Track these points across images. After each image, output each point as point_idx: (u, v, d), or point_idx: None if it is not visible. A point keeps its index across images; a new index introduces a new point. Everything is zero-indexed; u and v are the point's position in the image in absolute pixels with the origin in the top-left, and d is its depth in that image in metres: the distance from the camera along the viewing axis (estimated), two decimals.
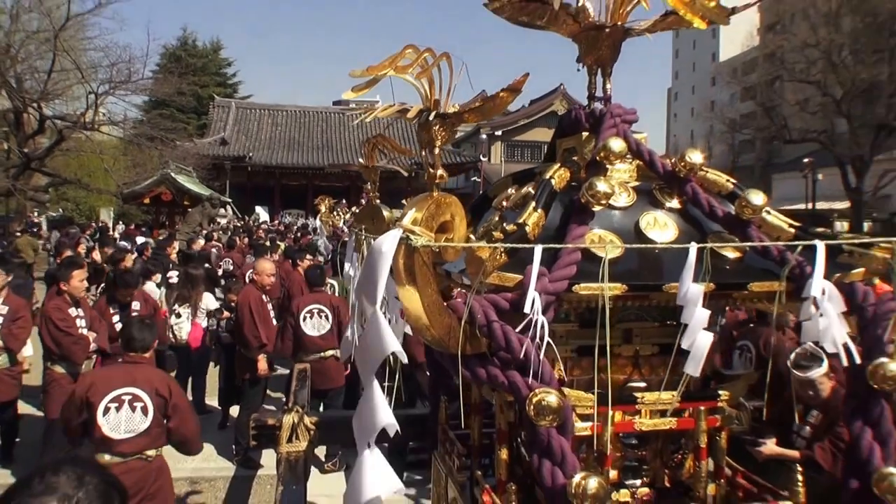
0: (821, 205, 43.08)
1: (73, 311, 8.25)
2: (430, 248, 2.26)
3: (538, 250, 2.40)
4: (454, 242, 2.36)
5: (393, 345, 2.17)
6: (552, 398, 2.24)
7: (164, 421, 5.71)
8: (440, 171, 2.30)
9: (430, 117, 2.23)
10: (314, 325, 9.40)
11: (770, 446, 5.29)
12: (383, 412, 2.24)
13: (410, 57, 2.19)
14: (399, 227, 2.20)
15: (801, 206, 41.87)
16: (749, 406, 3.37)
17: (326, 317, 9.42)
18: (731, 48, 69.91)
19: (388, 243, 2.13)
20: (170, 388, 5.82)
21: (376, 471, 2.30)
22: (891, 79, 36.98)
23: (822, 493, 3.34)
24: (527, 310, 2.33)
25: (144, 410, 5.56)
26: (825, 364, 4.98)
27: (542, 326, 2.32)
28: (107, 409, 5.45)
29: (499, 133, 56.63)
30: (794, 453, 5.16)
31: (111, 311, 9.08)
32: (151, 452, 5.65)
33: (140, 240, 21.84)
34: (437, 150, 2.28)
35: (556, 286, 2.47)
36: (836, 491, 3.24)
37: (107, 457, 5.43)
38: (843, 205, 41.12)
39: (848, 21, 39.03)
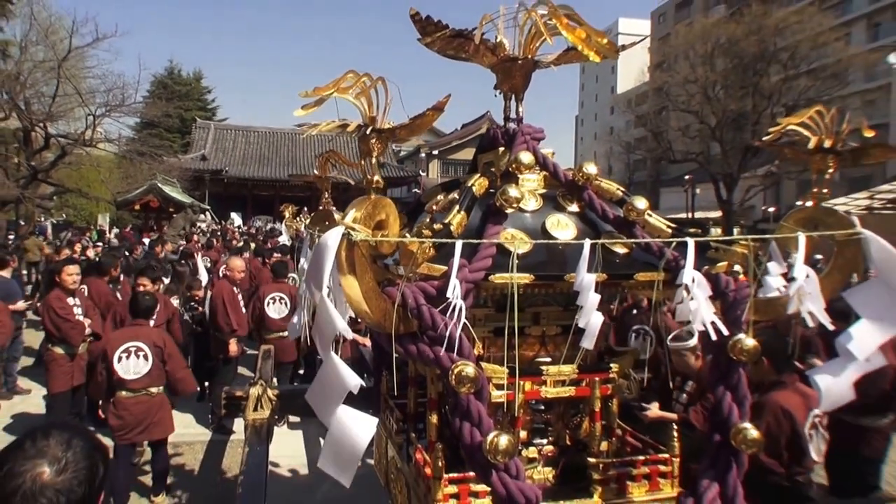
0: (699, 214, 44.01)
1: (70, 301, 8.14)
2: (368, 241, 2.24)
3: (459, 245, 2.38)
4: (388, 238, 2.34)
5: (341, 324, 2.16)
6: (470, 369, 2.22)
7: (162, 365, 6.61)
8: (376, 177, 2.28)
9: (368, 132, 2.21)
10: (276, 309, 9.75)
11: (654, 410, 5.40)
12: (349, 376, 2.21)
13: (351, 80, 2.16)
14: (341, 224, 2.18)
15: (683, 215, 42.66)
16: (637, 377, 3.41)
17: (286, 303, 9.76)
18: (627, 82, 70.78)
19: (332, 238, 2.11)
20: (164, 340, 6.80)
21: (356, 422, 2.28)
22: (754, 110, 38.14)
23: (694, 447, 3.42)
24: (449, 295, 2.32)
25: (146, 357, 6.52)
26: (696, 338, 5.06)
27: (462, 309, 2.32)
28: (119, 358, 6.43)
29: (436, 152, 56.78)
30: (673, 416, 5.27)
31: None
32: (154, 389, 6.61)
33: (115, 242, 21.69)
34: (373, 160, 2.26)
35: (474, 275, 2.47)
36: (704, 444, 3.36)
37: (123, 393, 6.47)
38: (717, 214, 41.97)
39: (720, 62, 40.03)
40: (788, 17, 37.95)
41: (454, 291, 2.32)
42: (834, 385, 2.46)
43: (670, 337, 4.83)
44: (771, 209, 42.13)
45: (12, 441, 1.84)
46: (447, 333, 2.28)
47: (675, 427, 3.43)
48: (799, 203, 3.11)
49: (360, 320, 2.49)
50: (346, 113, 2.21)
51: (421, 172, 53.57)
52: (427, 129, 2.28)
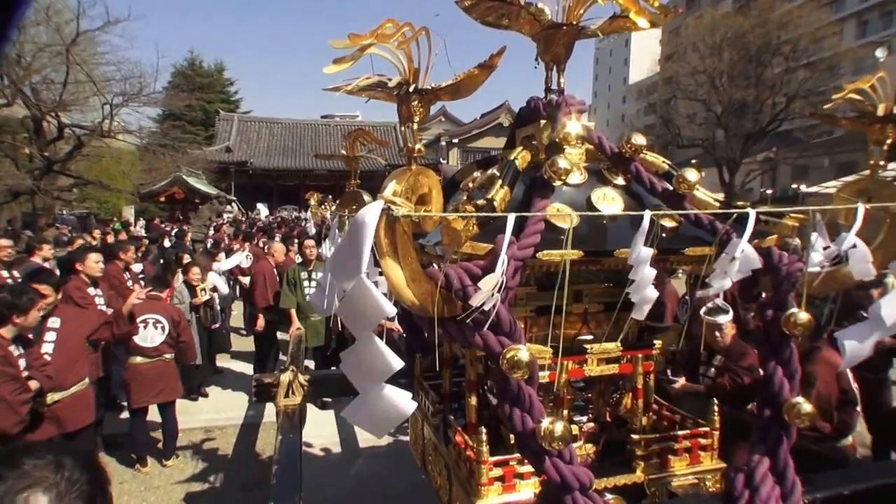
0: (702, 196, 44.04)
1: (91, 291, 7.50)
2: (411, 217, 1.97)
3: (511, 218, 2.10)
4: (433, 213, 2.09)
5: (389, 309, 1.81)
6: (523, 354, 2.02)
7: (176, 335, 7.04)
8: (418, 146, 2.01)
9: (410, 91, 1.91)
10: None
11: (681, 383, 5.37)
12: (392, 359, 1.85)
13: (391, 30, 1.84)
14: (381, 199, 1.91)
15: None
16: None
17: None
18: (639, 73, 70.67)
19: (370, 214, 1.79)
20: (180, 314, 7.33)
21: (395, 398, 1.96)
22: (757, 99, 39.57)
23: (731, 425, 3.33)
24: (498, 272, 2.03)
25: (163, 329, 6.94)
26: (730, 314, 5.02)
27: (508, 290, 2.10)
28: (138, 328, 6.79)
29: (455, 140, 56.05)
30: (700, 387, 5.32)
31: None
32: (168, 356, 7.01)
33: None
34: (414, 126, 1.98)
35: (523, 252, 2.22)
36: (739, 423, 3.46)
37: (138, 359, 6.85)
38: (720, 196, 41.99)
39: (727, 53, 40.64)
40: (792, 11, 38.91)
41: (502, 268, 2.04)
42: (859, 346, 2.35)
43: (706, 312, 4.70)
44: (769, 191, 42.60)
45: None
46: (495, 315, 2.07)
47: (715, 401, 3.32)
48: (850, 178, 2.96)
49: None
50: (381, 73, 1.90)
51: (441, 160, 53.04)
52: (475, 90, 1.97)
